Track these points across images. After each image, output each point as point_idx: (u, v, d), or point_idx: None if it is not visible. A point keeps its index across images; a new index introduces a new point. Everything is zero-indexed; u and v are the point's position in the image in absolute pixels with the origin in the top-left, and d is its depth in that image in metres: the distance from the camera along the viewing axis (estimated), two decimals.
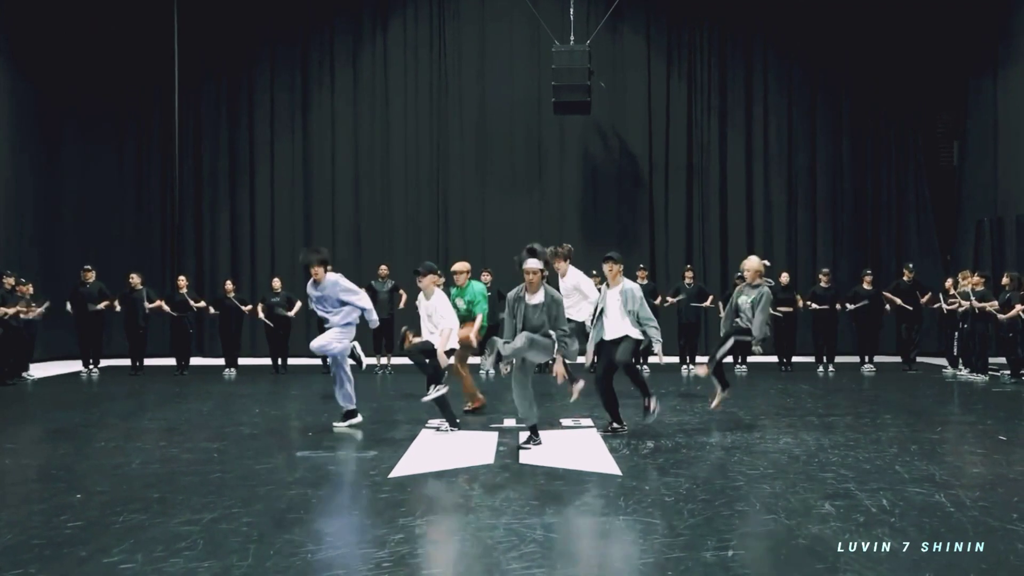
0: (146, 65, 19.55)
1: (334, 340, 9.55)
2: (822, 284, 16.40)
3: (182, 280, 16.62)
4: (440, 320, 9.53)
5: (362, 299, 9.75)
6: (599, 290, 9.51)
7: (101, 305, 16.13)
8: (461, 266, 11.14)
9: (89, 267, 16.42)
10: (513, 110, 19.80)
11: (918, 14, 19.37)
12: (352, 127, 20.00)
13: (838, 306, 16.25)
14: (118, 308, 16.28)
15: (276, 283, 16.62)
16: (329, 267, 9.82)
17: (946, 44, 19.32)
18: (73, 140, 19.62)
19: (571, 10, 17.67)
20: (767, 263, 10.38)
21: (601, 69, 18.44)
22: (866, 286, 16.34)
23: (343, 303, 9.64)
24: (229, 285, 16.77)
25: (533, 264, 8.28)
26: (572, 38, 17.48)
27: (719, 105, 19.92)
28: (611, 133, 19.92)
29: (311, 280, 9.71)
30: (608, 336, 8.99)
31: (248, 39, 19.96)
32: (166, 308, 16.29)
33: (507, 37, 19.83)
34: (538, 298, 8.31)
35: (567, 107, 17.43)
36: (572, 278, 10.43)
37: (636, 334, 8.90)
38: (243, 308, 16.52)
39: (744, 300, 9.86)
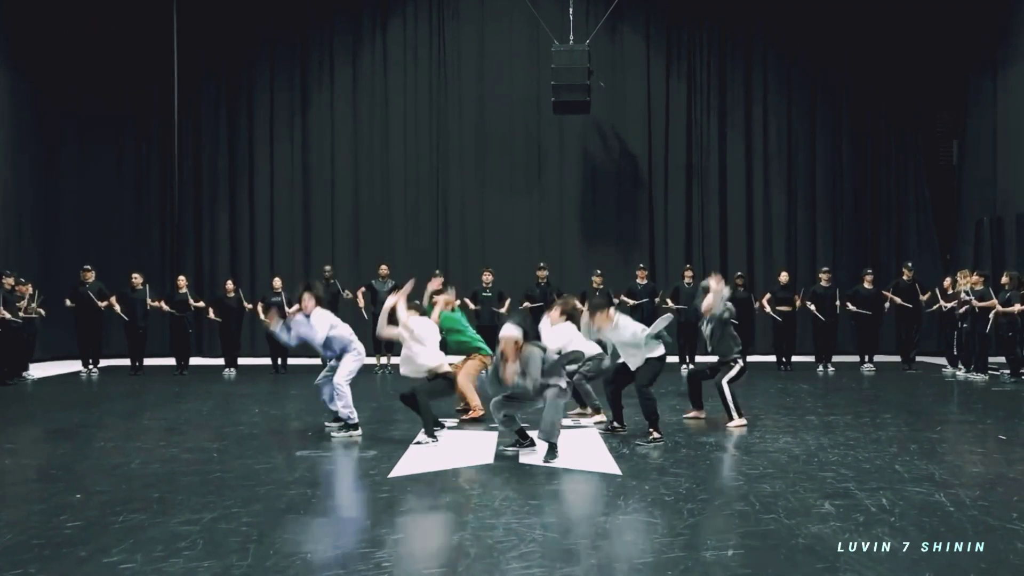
0: (146, 65, 19.50)
1: (345, 385, 9.16)
2: (822, 283, 16.41)
3: (182, 280, 16.64)
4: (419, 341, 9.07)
5: (315, 332, 9.29)
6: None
7: (104, 303, 16.12)
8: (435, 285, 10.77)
9: (88, 267, 16.42)
10: (512, 110, 19.79)
11: (918, 13, 19.34)
12: (352, 127, 19.98)
13: (839, 303, 16.24)
14: (117, 308, 16.25)
15: (276, 283, 16.62)
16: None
17: (946, 43, 19.30)
18: (73, 140, 19.58)
19: (570, 10, 17.64)
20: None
21: (600, 69, 18.42)
22: (867, 285, 16.37)
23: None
24: (229, 285, 16.78)
25: (508, 333, 7.66)
26: (571, 38, 17.47)
27: (718, 105, 19.90)
28: (610, 133, 19.91)
29: (299, 310, 9.61)
30: (633, 366, 8.90)
31: (248, 39, 19.94)
32: (165, 307, 16.31)
33: (506, 37, 19.80)
34: (515, 368, 7.64)
35: (566, 107, 17.41)
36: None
37: (657, 352, 8.83)
38: (245, 306, 16.53)
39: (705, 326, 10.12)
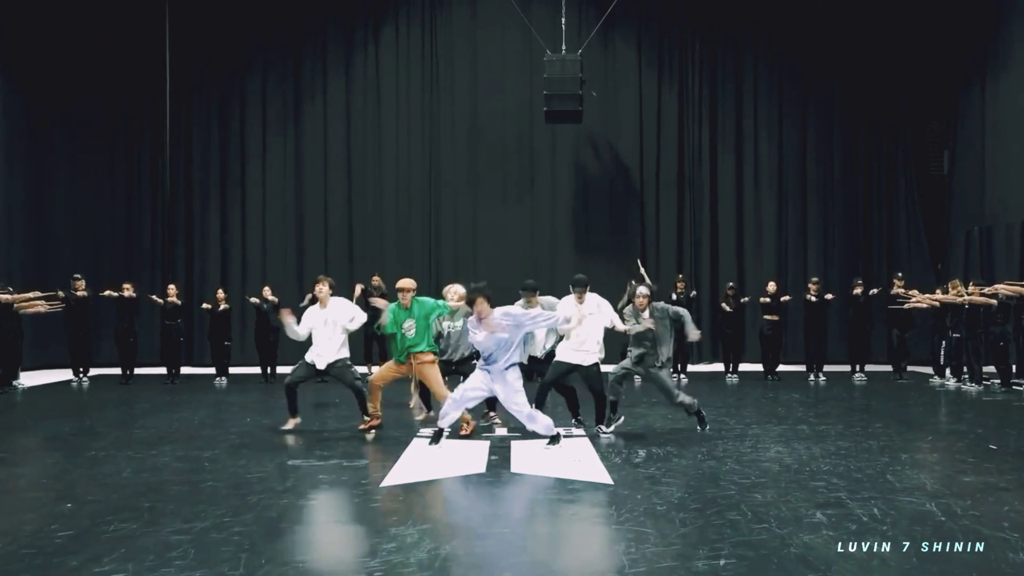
0: (138, 72, 19.48)
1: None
2: (812, 294, 16.46)
3: (172, 288, 16.59)
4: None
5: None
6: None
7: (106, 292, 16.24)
8: (407, 283, 9.87)
9: (79, 276, 16.39)
10: (505, 118, 19.81)
11: (908, 24, 19.44)
12: (344, 135, 19.97)
13: (828, 296, 16.39)
14: (121, 294, 16.24)
15: (267, 291, 16.60)
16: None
17: (936, 53, 19.41)
18: (64, 149, 19.52)
19: (563, 19, 17.68)
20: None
21: (593, 78, 18.46)
22: (856, 292, 16.47)
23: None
24: (220, 294, 16.75)
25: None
26: (564, 47, 17.50)
27: (709, 115, 19.95)
28: (603, 142, 19.94)
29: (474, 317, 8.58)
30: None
31: (240, 47, 19.92)
32: (156, 298, 16.32)
33: (499, 46, 19.83)
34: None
35: (559, 116, 17.45)
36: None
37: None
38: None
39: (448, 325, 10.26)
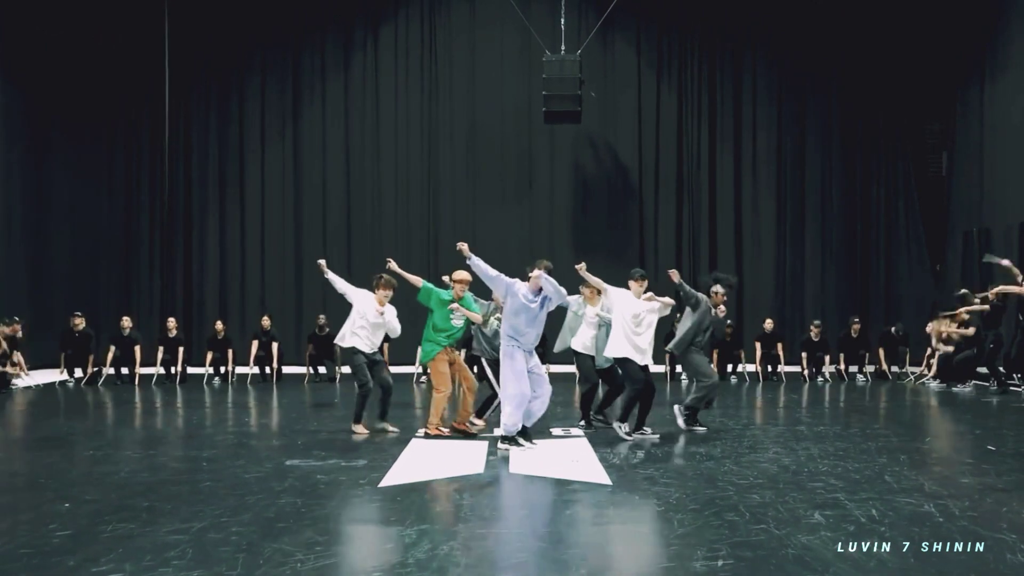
0: (137, 72, 19.44)
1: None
2: (812, 336, 16.54)
3: (171, 322, 16.62)
4: None
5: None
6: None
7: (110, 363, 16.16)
8: (465, 275, 10.26)
9: (79, 313, 16.36)
10: (504, 119, 19.79)
11: (907, 25, 19.43)
12: (343, 136, 19.95)
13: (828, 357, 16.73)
14: (112, 353, 16.15)
15: (266, 322, 16.69)
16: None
17: (935, 55, 19.40)
18: (63, 148, 19.44)
19: (562, 20, 17.67)
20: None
21: (592, 79, 18.46)
22: (853, 335, 16.63)
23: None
24: (219, 325, 16.84)
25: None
26: (563, 47, 17.50)
27: (709, 115, 19.94)
28: (602, 143, 19.93)
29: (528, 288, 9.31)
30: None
31: (240, 47, 19.90)
32: (161, 356, 16.34)
33: (498, 46, 19.82)
34: None
35: (558, 116, 17.45)
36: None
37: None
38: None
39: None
